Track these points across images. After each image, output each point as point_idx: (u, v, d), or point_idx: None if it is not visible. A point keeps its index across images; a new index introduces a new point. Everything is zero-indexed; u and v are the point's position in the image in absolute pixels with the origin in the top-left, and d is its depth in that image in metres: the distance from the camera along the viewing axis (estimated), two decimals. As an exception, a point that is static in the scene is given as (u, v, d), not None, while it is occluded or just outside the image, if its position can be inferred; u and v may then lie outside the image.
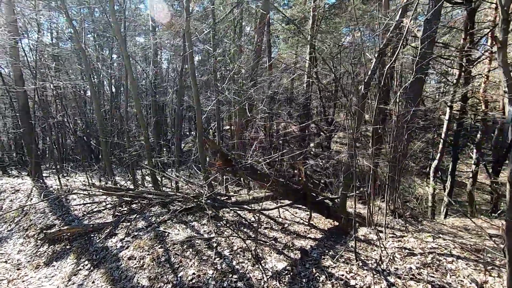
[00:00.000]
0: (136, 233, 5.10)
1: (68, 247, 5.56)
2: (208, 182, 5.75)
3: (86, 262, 4.91)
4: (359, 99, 4.55)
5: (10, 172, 13.59)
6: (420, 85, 6.90)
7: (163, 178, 7.19)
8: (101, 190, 5.79)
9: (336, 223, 5.71)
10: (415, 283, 3.15)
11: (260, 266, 3.64)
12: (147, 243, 4.63)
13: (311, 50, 12.46)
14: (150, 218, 5.56)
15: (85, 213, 6.59)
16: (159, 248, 4.44)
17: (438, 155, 14.06)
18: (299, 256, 3.93)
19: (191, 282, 3.55)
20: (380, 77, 4.69)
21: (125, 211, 6.11)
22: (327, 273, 3.38)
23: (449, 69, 13.82)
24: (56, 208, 7.35)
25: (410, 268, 3.52)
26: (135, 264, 4.32)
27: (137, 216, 5.69)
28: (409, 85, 5.21)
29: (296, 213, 6.32)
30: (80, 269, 4.82)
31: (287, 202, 5.64)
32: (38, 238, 5.93)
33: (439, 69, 13.40)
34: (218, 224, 5.05)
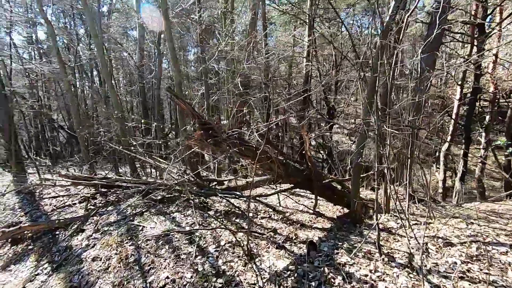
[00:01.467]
0: (106, 229, 4.21)
1: (30, 247, 4.69)
2: (194, 169, 4.85)
3: (46, 265, 4.04)
4: (374, 56, 3.62)
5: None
6: (434, 55, 5.98)
7: (144, 165, 6.32)
8: (68, 180, 4.90)
9: (347, 210, 4.83)
10: (469, 285, 2.26)
11: (254, 266, 2.75)
12: (116, 240, 3.75)
13: (310, 32, 11.46)
14: (125, 211, 4.68)
15: (55, 207, 5.71)
16: (129, 245, 3.56)
17: (449, 137, 13.10)
18: (305, 250, 3.04)
19: (162, 290, 2.68)
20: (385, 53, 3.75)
21: (101, 204, 5.22)
22: (345, 273, 2.48)
23: (461, 44, 12.77)
24: (26, 204, 6.48)
25: (454, 262, 2.63)
26: (100, 266, 3.45)
27: (110, 209, 4.80)
28: (422, 56, 4.29)
29: (299, 200, 5.43)
30: (38, 274, 3.95)
31: (288, 187, 4.75)
32: (-5, 238, 5.05)
33: (450, 44, 12.38)
34: (205, 215, 4.16)
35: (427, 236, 3.58)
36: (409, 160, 4.22)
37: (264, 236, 3.50)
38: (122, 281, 3.01)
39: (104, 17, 13.30)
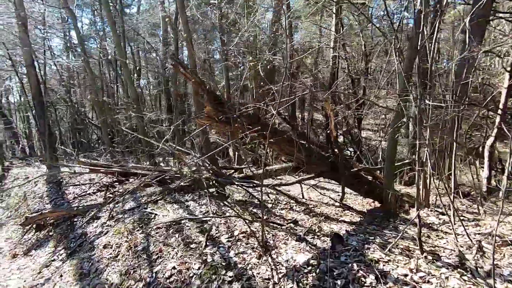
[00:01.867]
0: (120, 216, 4.08)
1: (51, 233, 4.72)
2: (212, 157, 4.59)
3: (62, 251, 4.00)
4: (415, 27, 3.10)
5: (33, 161, 13.53)
6: (482, 31, 5.17)
7: (162, 154, 6.20)
8: (87, 167, 4.87)
9: (377, 204, 4.31)
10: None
11: (269, 259, 2.40)
12: (128, 227, 3.58)
13: (337, 20, 10.80)
14: (140, 199, 4.54)
15: (76, 196, 5.77)
16: (140, 233, 3.37)
17: (495, 130, 11.77)
18: (330, 244, 2.63)
19: (168, 281, 2.41)
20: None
21: (118, 192, 5.15)
22: (379, 271, 2.05)
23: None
24: (53, 192, 6.65)
25: (521, 265, 2.09)
26: (110, 253, 3.29)
27: (127, 197, 4.69)
28: (469, 24, 3.68)
29: (324, 193, 4.97)
30: (54, 260, 3.91)
31: (310, 176, 4.33)
32: (20, 224, 5.17)
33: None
34: (221, 204, 3.87)
35: (478, 234, 3.01)
36: (453, 146, 3.63)
37: (282, 227, 3.13)
38: (129, 270, 2.81)
39: (132, 16, 13.60)
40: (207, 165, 4.18)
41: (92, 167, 4.85)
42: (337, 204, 4.41)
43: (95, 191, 5.60)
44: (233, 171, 4.59)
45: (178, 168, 3.68)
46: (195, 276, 2.35)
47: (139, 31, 11.87)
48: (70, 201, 5.62)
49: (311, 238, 2.88)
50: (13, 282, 3.69)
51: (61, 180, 7.47)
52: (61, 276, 3.40)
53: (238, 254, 2.52)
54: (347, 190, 4.37)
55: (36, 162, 12.59)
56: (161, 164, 7.39)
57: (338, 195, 5.20)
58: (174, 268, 2.52)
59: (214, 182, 3.96)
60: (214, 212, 3.48)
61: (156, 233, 3.22)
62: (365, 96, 12.22)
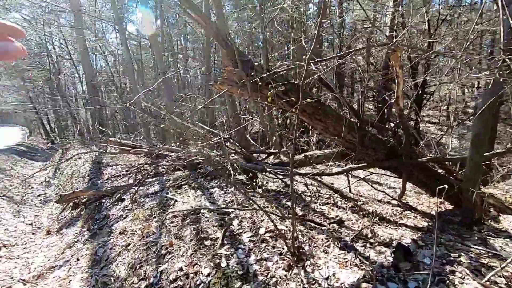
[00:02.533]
0: (142, 200, 3.76)
1: (82, 212, 4.67)
2: (243, 139, 4.01)
3: (86, 233, 3.83)
4: None
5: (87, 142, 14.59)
6: None
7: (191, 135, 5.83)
8: (117, 146, 4.68)
9: (448, 205, 3.33)
10: None
11: (302, 272, 1.74)
12: (145, 213, 3.21)
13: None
14: (165, 182, 4.18)
15: (110, 176, 5.71)
16: (155, 221, 2.96)
17: None
18: (390, 258, 1.87)
19: (171, 286, 1.91)
20: None
21: (148, 175, 4.89)
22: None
23: None
24: (93, 172, 6.80)
25: None
26: (123, 241, 2.94)
27: (152, 180, 4.39)
28: None
29: (376, 188, 4.07)
30: (77, 241, 3.76)
31: (362, 165, 3.50)
32: (55, 201, 5.25)
33: None
34: (250, 194, 3.28)
35: None
36: None
37: (322, 227, 2.42)
38: (135, 264, 2.39)
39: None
40: (237, 147, 3.61)
41: (122, 147, 4.64)
42: (394, 202, 3.53)
43: (127, 172, 5.46)
44: (266, 155, 3.96)
45: (200, 150, 3.17)
46: (202, 285, 1.80)
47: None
48: (104, 181, 5.58)
49: (361, 246, 2.13)
50: (39, 260, 3.61)
51: (101, 160, 7.66)
52: (78, 260, 3.18)
53: (260, 260, 1.91)
54: (408, 185, 3.45)
55: (89, 144, 13.44)
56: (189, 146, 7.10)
57: (394, 191, 4.28)
58: (181, 269, 2.01)
59: (242, 167, 3.38)
60: (240, 203, 2.91)
61: (171, 222, 2.77)
62: (427, 80, 10.49)
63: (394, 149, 2.89)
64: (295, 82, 2.25)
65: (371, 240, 2.26)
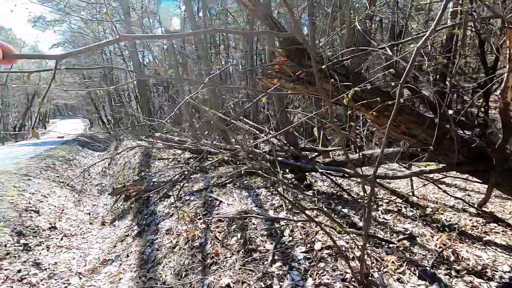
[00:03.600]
0: (187, 198, 3.70)
1: (132, 205, 4.84)
2: (290, 135, 3.70)
3: (135, 227, 3.91)
4: None
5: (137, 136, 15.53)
6: None
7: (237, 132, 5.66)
8: (161, 142, 4.71)
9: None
10: None
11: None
12: (190, 213, 3.12)
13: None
14: (209, 180, 4.08)
15: (158, 170, 5.85)
16: (200, 223, 2.84)
17: None
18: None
19: (218, 305, 1.73)
20: None
21: (193, 170, 4.87)
22: None
23: None
24: (143, 165, 7.08)
25: None
26: (169, 241, 2.88)
27: (197, 176, 4.32)
28: None
29: (447, 191, 3.46)
30: (127, 235, 3.86)
31: (434, 167, 2.98)
32: (108, 194, 5.53)
33: None
34: (299, 197, 2.99)
35: None
36: None
37: (390, 245, 2.04)
38: (181, 271, 2.28)
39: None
40: (283, 144, 3.32)
41: (166, 143, 4.66)
42: (472, 210, 2.96)
43: (173, 167, 5.54)
44: (316, 154, 3.61)
45: (243, 146, 2.94)
46: (253, 310, 1.59)
47: None
48: (151, 175, 5.74)
49: (445, 275, 1.72)
50: (94, 251, 3.79)
51: (149, 153, 7.95)
52: (127, 256, 3.23)
53: (319, 286, 1.62)
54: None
55: (139, 137, 14.24)
56: (232, 139, 6.98)
57: (468, 195, 3.65)
58: (228, 286, 1.82)
59: (290, 167, 3.09)
60: (289, 208, 2.63)
61: (217, 227, 2.61)
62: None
63: (480, 150, 2.34)
64: (361, 73, 1.86)
65: (456, 266, 1.83)
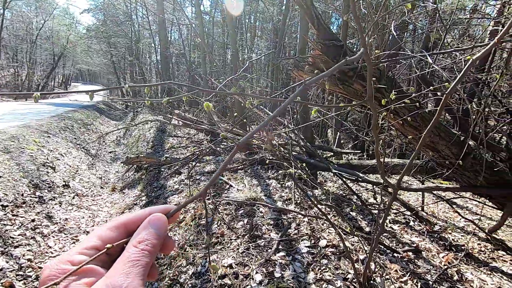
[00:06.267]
0: (198, 177, 3.77)
1: (143, 176, 4.97)
2: (308, 132, 3.68)
3: (144, 198, 4.03)
4: None
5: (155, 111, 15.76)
6: None
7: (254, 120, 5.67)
8: (180, 119, 4.78)
9: None
10: None
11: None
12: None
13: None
14: (222, 162, 4.13)
15: (172, 146, 5.96)
16: (209, 203, 2.90)
17: None
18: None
19: (219, 282, 1.78)
20: None
21: (207, 152, 4.94)
22: None
23: None
24: (157, 139, 7.22)
25: None
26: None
27: (208, 158, 4.38)
28: None
29: (456, 210, 3.40)
30: (135, 204, 3.99)
31: (453, 187, 2.92)
32: (121, 162, 5.68)
33: None
34: (309, 193, 3.00)
35: None
36: None
37: (395, 254, 2.04)
38: (185, 245, 2.35)
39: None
40: (300, 140, 3.32)
41: (184, 121, 4.72)
42: (481, 234, 2.91)
43: (187, 145, 5.63)
44: (330, 154, 3.59)
45: (268, 135, 2.96)
46: (253, 295, 1.63)
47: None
48: (165, 150, 5.86)
49: (447, 292, 1.72)
50: (102, 214, 3.94)
51: (165, 129, 8.08)
52: (134, 223, 3.35)
53: (320, 281, 1.65)
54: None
55: (156, 112, 14.44)
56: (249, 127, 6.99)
57: (479, 219, 3.57)
58: (230, 266, 1.87)
59: (304, 163, 3.09)
60: (298, 202, 2.66)
61: (224, 209, 2.67)
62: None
63: (502, 176, 2.29)
64: (392, 77, 1.83)
65: (459, 286, 1.82)
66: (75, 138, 7.35)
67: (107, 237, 0.34)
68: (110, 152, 7.93)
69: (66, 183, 4.40)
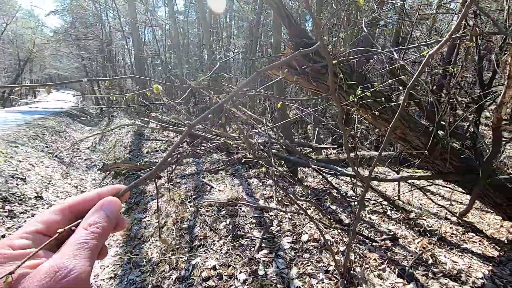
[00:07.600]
0: (178, 180, 3.72)
1: (121, 183, 4.82)
2: (287, 130, 3.73)
3: (123, 205, 3.92)
4: None
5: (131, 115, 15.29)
6: None
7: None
8: (156, 122, 4.68)
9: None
10: None
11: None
12: (180, 195, 3.14)
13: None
14: (202, 165, 4.10)
15: (149, 150, 5.83)
16: (190, 206, 2.86)
17: None
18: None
19: (203, 285, 1.77)
20: None
21: (187, 154, 4.87)
22: None
23: None
24: (134, 144, 7.02)
25: None
26: (157, 221, 2.90)
27: (189, 161, 4.33)
28: None
29: (432, 199, 3.58)
30: (115, 211, 3.87)
31: (425, 175, 3.08)
32: (98, 169, 5.49)
33: None
34: (289, 190, 3.05)
35: None
36: None
37: (373, 244, 2.12)
38: (168, 250, 2.31)
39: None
40: (279, 137, 3.36)
41: (161, 124, 4.62)
42: (454, 218, 3.08)
43: (165, 149, 5.52)
44: (309, 150, 3.66)
45: (240, 136, 2.96)
46: (237, 292, 1.64)
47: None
48: (143, 155, 5.71)
49: (422, 275, 1.81)
50: (80, 225, 3.79)
51: (142, 132, 7.88)
52: (116, 233, 3.25)
53: (303, 275, 1.68)
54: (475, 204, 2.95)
55: (133, 115, 14.00)
56: (229, 127, 6.98)
57: (450, 204, 3.77)
58: (214, 268, 1.87)
59: (284, 160, 3.13)
60: (279, 199, 2.69)
61: (206, 211, 2.65)
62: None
63: (468, 162, 2.43)
64: (365, 74, 1.89)
65: (434, 269, 1.92)
66: (46, 147, 7.00)
67: (50, 221, 0.33)
68: (85, 160, 7.62)
69: (39, 195, 4.19)
